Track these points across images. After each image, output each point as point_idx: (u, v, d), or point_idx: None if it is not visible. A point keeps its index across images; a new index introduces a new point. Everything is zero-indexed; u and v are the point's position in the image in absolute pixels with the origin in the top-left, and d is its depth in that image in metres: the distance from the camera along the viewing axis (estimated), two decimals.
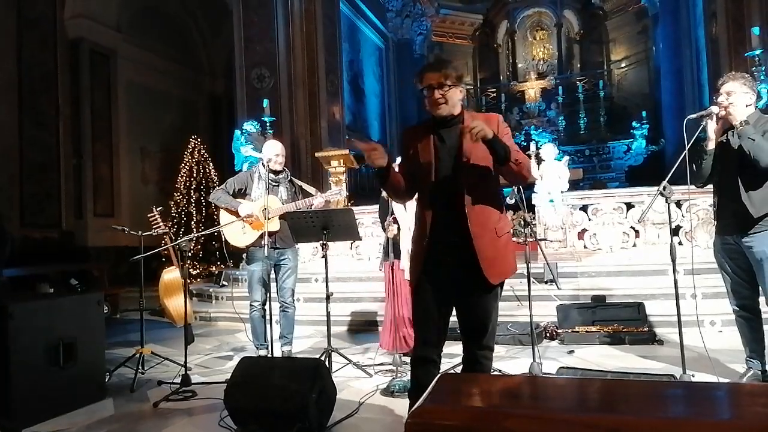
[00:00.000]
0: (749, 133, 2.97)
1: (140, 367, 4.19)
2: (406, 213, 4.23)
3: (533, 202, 6.44)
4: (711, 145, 3.19)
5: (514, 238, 8.50)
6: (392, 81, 15.87)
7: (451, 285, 2.34)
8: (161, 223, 4.77)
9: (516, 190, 4.07)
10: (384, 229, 4.21)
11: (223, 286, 7.43)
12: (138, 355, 4.27)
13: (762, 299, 3.18)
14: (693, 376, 3.24)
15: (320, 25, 10.97)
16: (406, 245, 4.17)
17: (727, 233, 3.21)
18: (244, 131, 8.12)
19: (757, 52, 6.58)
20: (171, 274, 4.76)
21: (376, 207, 7.07)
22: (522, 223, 6.79)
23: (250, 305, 4.33)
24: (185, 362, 3.83)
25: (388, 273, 4.29)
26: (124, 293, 8.02)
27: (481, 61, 17.88)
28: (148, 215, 4.83)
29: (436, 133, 2.39)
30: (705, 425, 1.22)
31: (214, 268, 8.82)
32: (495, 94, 17.10)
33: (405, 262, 4.16)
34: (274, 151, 4.31)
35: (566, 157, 6.86)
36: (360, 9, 13.85)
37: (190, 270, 8.81)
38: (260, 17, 10.56)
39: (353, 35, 13.72)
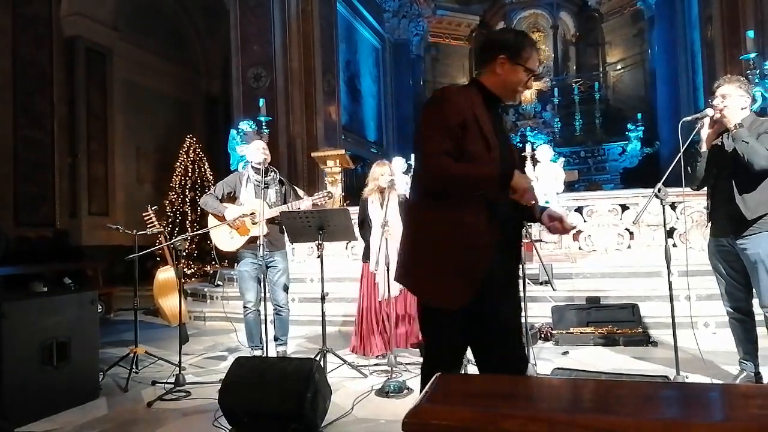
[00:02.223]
0: (743, 136, 2.99)
1: (134, 367, 4.16)
2: (380, 211, 4.27)
3: None
4: (704, 148, 3.21)
5: None
6: (389, 82, 15.88)
7: (497, 306, 1.92)
8: (156, 222, 4.76)
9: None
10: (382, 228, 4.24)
11: (218, 285, 7.41)
12: (132, 355, 4.25)
13: (755, 301, 3.19)
14: (687, 377, 3.25)
15: (317, 25, 10.96)
16: (375, 246, 4.22)
17: (722, 235, 3.23)
18: (240, 131, 8.11)
19: (752, 55, 6.62)
20: (165, 274, 4.75)
21: None
22: None
23: (244, 307, 4.31)
24: (179, 362, 3.81)
25: (366, 275, 4.43)
26: (118, 292, 7.98)
27: None
28: (143, 214, 4.82)
29: (493, 112, 1.98)
30: (700, 427, 1.22)
31: (208, 268, 8.80)
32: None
33: (373, 264, 4.22)
34: (256, 148, 4.34)
35: (562, 159, 6.89)
36: (357, 9, 13.85)
37: (185, 269, 8.79)
38: (257, 17, 10.55)
39: (350, 35, 13.72)
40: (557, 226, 2.01)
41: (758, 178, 3.00)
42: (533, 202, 1.85)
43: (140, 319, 4.62)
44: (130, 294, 4.49)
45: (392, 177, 4.35)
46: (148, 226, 4.75)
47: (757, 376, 3.24)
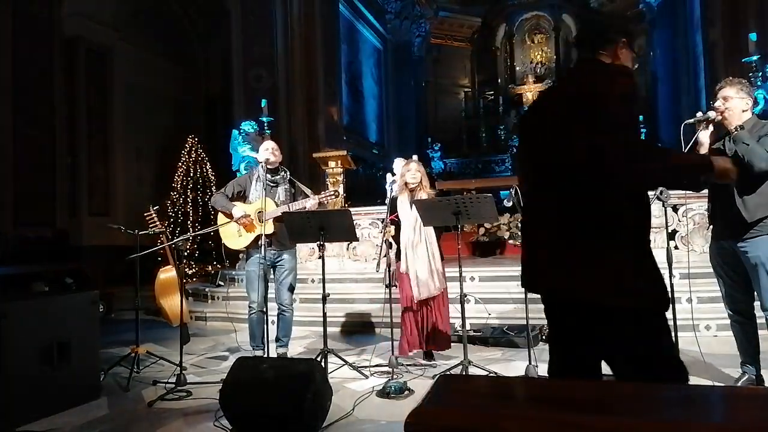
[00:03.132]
0: (744, 138, 2.99)
1: (135, 367, 4.17)
2: (411, 212, 4.12)
3: None
4: (704, 151, 3.21)
5: (511, 241, 8.49)
6: (390, 82, 15.89)
7: None
8: (157, 222, 4.76)
9: (513, 192, 4.07)
10: (382, 231, 4.22)
11: (220, 285, 7.41)
12: (133, 355, 4.25)
13: (757, 304, 3.19)
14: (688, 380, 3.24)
15: (319, 26, 10.97)
16: (405, 248, 4.16)
17: (723, 238, 3.23)
18: (242, 131, 8.12)
19: (754, 57, 6.61)
20: (167, 274, 4.75)
21: (373, 208, 7.12)
22: (519, 225, 6.80)
23: (249, 306, 4.31)
24: (180, 362, 3.81)
25: (386, 276, 4.19)
26: (119, 292, 7.99)
27: (480, 64, 17.92)
28: (145, 214, 4.82)
29: None
30: (701, 428, 1.22)
31: (210, 268, 8.80)
32: (493, 97, 17.13)
33: (404, 264, 4.16)
34: (264, 147, 4.34)
35: None
36: (359, 10, 13.87)
37: (186, 269, 8.80)
38: (258, 18, 10.56)
39: (352, 37, 13.73)
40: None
41: (758, 181, 3.00)
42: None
43: (141, 318, 4.63)
44: (132, 294, 4.49)
45: (419, 174, 4.25)
46: (150, 226, 4.75)
47: (759, 379, 3.23)
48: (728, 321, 3.37)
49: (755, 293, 3.16)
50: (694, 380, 3.39)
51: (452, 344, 4.64)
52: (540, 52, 17.01)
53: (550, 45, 16.88)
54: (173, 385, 3.67)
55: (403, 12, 15.99)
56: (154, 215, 4.78)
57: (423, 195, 4.17)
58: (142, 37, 13.75)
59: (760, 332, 3.23)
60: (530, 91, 16.43)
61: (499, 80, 17.25)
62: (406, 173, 4.26)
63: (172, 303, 4.65)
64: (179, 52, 15.26)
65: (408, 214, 4.15)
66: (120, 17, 13.14)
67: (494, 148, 16.35)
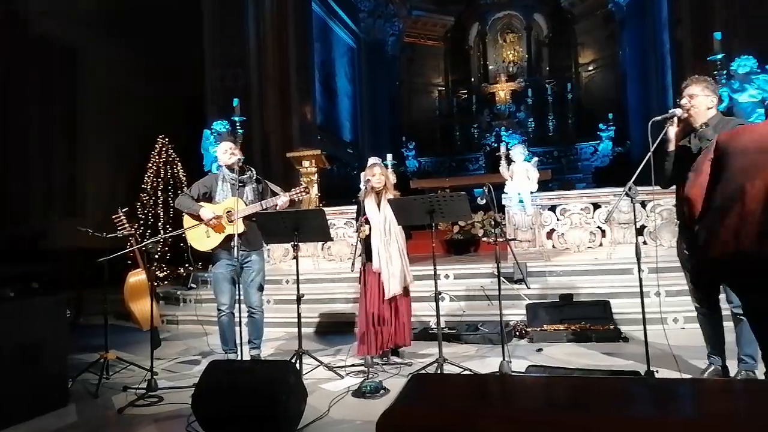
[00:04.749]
0: (709, 135, 3.06)
1: (104, 373, 4.08)
2: (378, 214, 4.23)
3: (503, 203, 6.51)
4: (671, 147, 3.27)
5: (485, 239, 8.56)
6: (364, 81, 15.84)
7: None
8: (127, 225, 4.67)
9: (487, 190, 4.11)
10: (357, 230, 4.22)
11: (191, 288, 7.30)
12: (102, 360, 4.16)
13: (722, 296, 3.27)
14: (657, 372, 3.31)
15: (291, 25, 10.88)
16: (377, 246, 4.19)
17: (690, 232, 3.29)
18: (213, 131, 8.01)
19: (719, 56, 6.78)
20: (136, 277, 4.66)
21: (348, 208, 7.09)
22: (492, 223, 6.87)
23: (218, 309, 4.24)
24: (151, 367, 3.75)
25: (362, 275, 4.25)
26: (88, 296, 7.81)
27: (453, 63, 18.00)
28: (114, 216, 4.72)
29: None
30: (670, 423, 1.24)
31: (181, 270, 8.66)
32: (466, 96, 17.23)
33: (376, 263, 4.18)
34: (222, 150, 4.27)
35: (535, 159, 6.95)
36: (332, 8, 13.79)
37: (157, 272, 8.64)
38: (231, 16, 10.42)
39: (325, 35, 13.66)
40: None
41: None
42: None
43: (111, 323, 4.53)
44: (101, 298, 4.39)
45: (383, 177, 4.34)
46: (119, 228, 4.66)
47: (724, 369, 3.32)
48: (695, 313, 3.44)
49: (720, 286, 3.24)
50: (663, 372, 3.47)
51: (427, 342, 4.68)
52: (512, 51, 17.17)
53: (522, 44, 17.04)
54: (144, 391, 3.61)
55: (377, 11, 15.96)
56: (122, 217, 4.68)
57: (389, 196, 4.23)
58: (114, 35, 13.47)
59: (725, 324, 3.31)
60: (503, 90, 16.57)
61: (473, 79, 17.36)
62: (371, 177, 4.35)
63: (142, 307, 4.57)
64: (150, 51, 14.98)
65: (377, 215, 4.23)
66: (93, 16, 12.84)
67: (468, 146, 16.44)
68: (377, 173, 4.35)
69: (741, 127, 2.75)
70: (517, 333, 4.95)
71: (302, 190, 4.18)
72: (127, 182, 13.18)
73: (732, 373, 3.28)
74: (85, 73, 12.79)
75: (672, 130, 3.25)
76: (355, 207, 4.67)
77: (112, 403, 3.62)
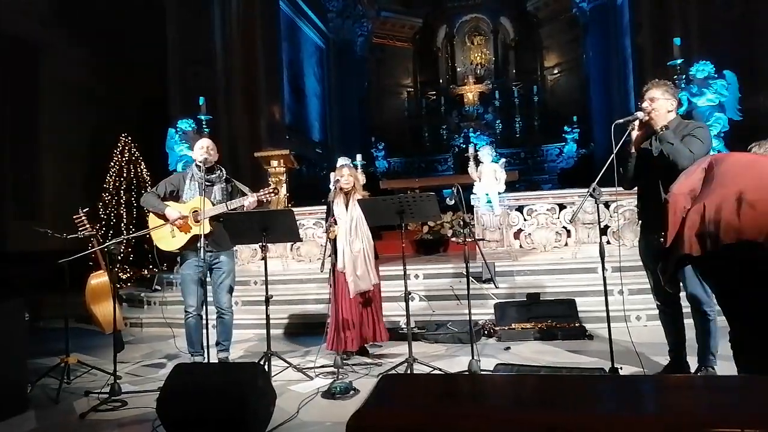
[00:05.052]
0: (669, 138, 3.15)
1: (65, 377, 3.96)
2: (346, 214, 4.27)
3: (472, 203, 6.58)
4: (633, 149, 3.36)
5: (454, 239, 8.64)
6: (333, 82, 15.78)
7: None
8: (87, 225, 4.53)
9: (456, 191, 4.16)
10: (327, 231, 4.25)
11: (156, 290, 7.15)
12: (63, 365, 4.04)
13: (683, 294, 3.37)
14: (621, 368, 3.39)
15: (259, 22, 10.74)
16: (342, 246, 4.24)
17: (651, 233, 3.39)
18: (178, 130, 7.86)
19: (679, 61, 6.99)
20: (98, 279, 4.53)
21: (317, 208, 7.06)
22: (461, 223, 6.93)
23: (185, 311, 4.16)
24: (114, 371, 3.66)
25: (331, 275, 4.30)
26: (48, 300, 7.57)
27: (422, 65, 18.10)
28: (74, 217, 4.58)
29: None
30: (634, 420, 1.27)
31: (146, 272, 8.47)
32: (435, 97, 17.35)
33: (340, 262, 4.25)
34: (200, 146, 4.19)
35: (503, 160, 7.04)
36: (300, 8, 13.69)
37: (120, 274, 8.43)
38: (195, 12, 10.25)
39: (293, 34, 13.55)
40: None
41: None
42: None
43: (72, 326, 4.40)
44: (61, 300, 4.26)
45: (352, 178, 4.42)
46: (80, 229, 4.52)
47: (685, 365, 3.42)
48: (657, 311, 3.54)
49: (681, 284, 3.34)
50: (627, 369, 3.56)
51: (397, 342, 4.69)
52: (479, 54, 17.37)
53: (489, 47, 17.26)
54: (107, 395, 3.52)
55: (345, 11, 15.91)
56: (83, 218, 4.55)
57: (358, 196, 4.30)
58: (74, 31, 13.07)
59: (685, 321, 3.42)
60: (471, 92, 16.74)
61: (441, 80, 17.49)
62: (339, 178, 4.42)
63: (104, 309, 4.44)
64: (114, 48, 14.59)
65: (344, 215, 4.31)
66: (50, 11, 12.43)
67: (437, 147, 16.55)
68: (346, 174, 4.42)
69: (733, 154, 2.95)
70: (486, 332, 5.01)
71: (271, 190, 4.14)
72: (88, 182, 12.82)
73: (692, 369, 3.38)
74: (42, 70, 12.36)
75: (634, 133, 3.34)
76: (325, 207, 4.70)
77: (73, 408, 3.52)
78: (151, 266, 8.38)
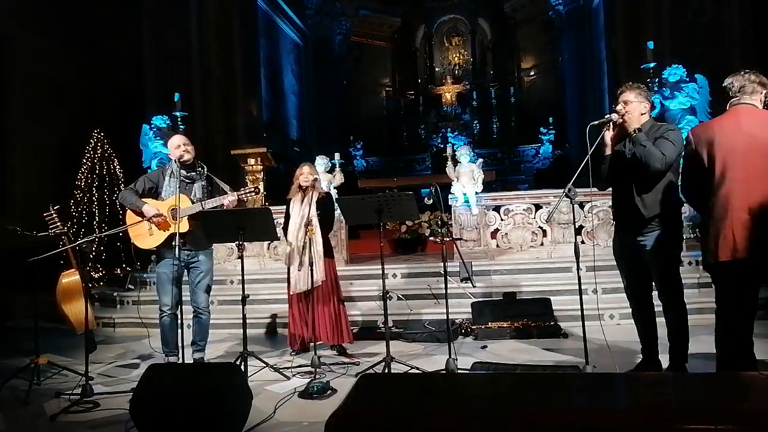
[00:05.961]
0: (642, 140, 3.21)
1: (35, 378, 3.86)
2: (299, 209, 4.47)
3: (449, 203, 6.61)
4: (608, 151, 3.42)
5: (432, 238, 8.68)
6: (311, 80, 15.70)
7: None
8: (58, 223, 4.43)
9: (434, 191, 4.18)
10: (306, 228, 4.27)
11: (130, 289, 7.02)
12: (33, 366, 3.94)
13: (655, 293, 3.44)
14: (595, 367, 3.45)
15: (236, 18, 10.62)
16: (291, 241, 4.47)
17: (624, 233, 3.45)
18: (153, 126, 7.73)
19: (652, 64, 7.14)
20: (70, 278, 4.43)
21: None
22: (439, 223, 6.96)
23: (160, 310, 4.10)
24: (86, 371, 3.59)
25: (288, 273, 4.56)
26: (17, 299, 7.38)
27: (400, 64, 18.13)
28: (44, 214, 4.47)
29: None
30: (607, 416, 1.30)
31: (119, 271, 8.31)
32: (413, 97, 17.39)
33: (286, 260, 4.53)
34: (175, 144, 4.11)
35: (480, 160, 7.09)
36: (278, 5, 13.58)
37: (92, 273, 8.26)
38: (171, 6, 10.09)
39: (271, 31, 13.43)
40: None
41: (655, 180, 3.23)
42: None
43: (42, 326, 4.30)
44: (31, 300, 4.16)
45: (311, 176, 4.53)
46: (50, 227, 4.42)
47: (656, 363, 3.49)
48: (630, 310, 3.61)
49: (653, 284, 3.41)
50: (601, 367, 3.62)
51: (375, 341, 4.72)
52: (458, 54, 17.46)
53: (467, 47, 17.36)
54: (78, 397, 3.45)
55: (324, 8, 15.83)
56: (54, 215, 4.44)
57: (315, 195, 4.47)
58: (45, 24, 12.73)
59: (657, 320, 3.49)
60: (449, 92, 16.83)
61: (419, 80, 17.54)
62: (299, 176, 4.55)
63: (76, 309, 4.34)
64: (87, 42, 14.27)
65: (297, 212, 4.46)
66: (20, 4, 12.09)
67: (415, 147, 16.60)
68: (305, 172, 4.55)
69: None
70: (463, 330, 5.04)
71: (252, 189, 4.11)
72: (59, 179, 12.53)
73: (664, 367, 3.45)
74: (12, 63, 12.02)
75: (608, 135, 3.39)
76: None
77: (43, 410, 3.44)
78: (124, 265, 8.24)
